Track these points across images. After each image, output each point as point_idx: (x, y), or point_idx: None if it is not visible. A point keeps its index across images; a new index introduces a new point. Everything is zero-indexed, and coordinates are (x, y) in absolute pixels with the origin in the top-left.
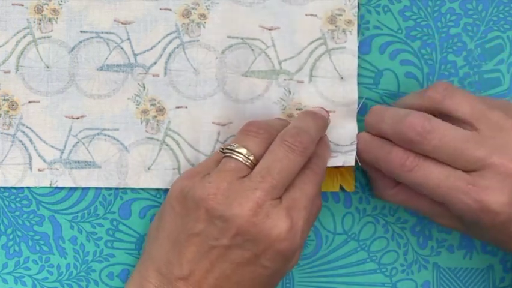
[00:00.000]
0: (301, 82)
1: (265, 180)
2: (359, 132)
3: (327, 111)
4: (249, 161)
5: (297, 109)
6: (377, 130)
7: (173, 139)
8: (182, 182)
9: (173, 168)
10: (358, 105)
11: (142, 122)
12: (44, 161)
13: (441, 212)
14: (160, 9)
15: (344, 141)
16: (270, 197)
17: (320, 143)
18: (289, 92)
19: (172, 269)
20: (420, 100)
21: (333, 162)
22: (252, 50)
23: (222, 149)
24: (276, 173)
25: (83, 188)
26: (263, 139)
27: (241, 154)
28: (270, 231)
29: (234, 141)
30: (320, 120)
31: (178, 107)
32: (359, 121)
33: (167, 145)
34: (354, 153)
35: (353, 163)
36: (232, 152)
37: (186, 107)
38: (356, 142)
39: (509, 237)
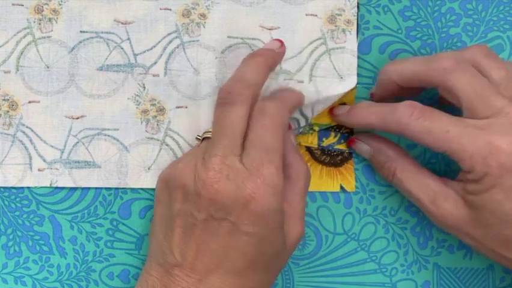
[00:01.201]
0: (301, 82)
1: (214, 145)
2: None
3: (279, 40)
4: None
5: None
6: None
7: (173, 139)
8: (160, 174)
9: None
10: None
11: (142, 122)
12: (44, 161)
13: (445, 193)
14: (160, 9)
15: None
16: (226, 160)
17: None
18: None
19: (166, 258)
20: (463, 55)
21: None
22: (252, 49)
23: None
24: (219, 134)
25: (83, 188)
26: (241, 101)
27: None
28: (235, 194)
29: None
30: (261, 59)
31: (178, 107)
32: None
33: (167, 145)
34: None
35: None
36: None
37: (186, 107)
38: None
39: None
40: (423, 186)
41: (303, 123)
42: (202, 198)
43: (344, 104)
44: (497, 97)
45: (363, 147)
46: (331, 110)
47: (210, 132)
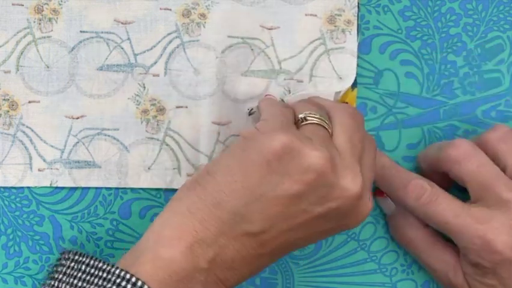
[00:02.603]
0: (301, 82)
1: (354, 153)
2: None
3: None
4: (329, 128)
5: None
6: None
7: (174, 139)
8: (285, 137)
9: (174, 168)
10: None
11: (142, 122)
12: (44, 161)
13: (457, 268)
14: (160, 9)
15: None
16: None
17: None
18: (289, 91)
19: (242, 223)
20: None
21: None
22: (252, 49)
23: (304, 115)
24: (357, 144)
25: (83, 188)
26: (322, 112)
27: (322, 120)
28: (366, 207)
29: (303, 110)
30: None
31: (178, 107)
32: None
33: (167, 145)
34: None
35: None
36: (313, 118)
37: (186, 107)
38: None
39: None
40: (439, 259)
41: None
42: (337, 198)
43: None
44: (505, 188)
45: (389, 204)
46: None
47: (320, 116)
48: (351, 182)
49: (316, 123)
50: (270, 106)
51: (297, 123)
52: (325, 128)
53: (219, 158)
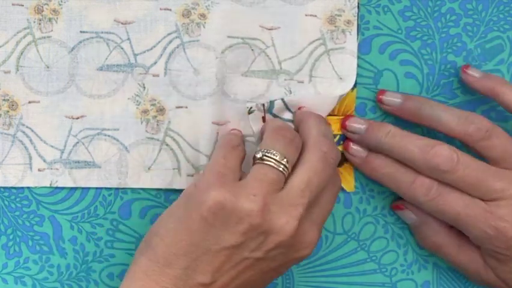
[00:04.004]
0: (302, 82)
1: (304, 195)
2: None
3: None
4: (286, 169)
5: (299, 109)
6: (401, 155)
7: (173, 139)
8: (217, 194)
9: (174, 168)
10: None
11: (142, 122)
12: (44, 161)
13: (485, 267)
14: (160, 9)
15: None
16: (307, 212)
17: None
18: (290, 92)
19: (194, 276)
20: (463, 127)
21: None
22: (252, 50)
23: (260, 152)
24: (315, 187)
25: (83, 188)
26: (297, 147)
27: (279, 162)
28: (305, 245)
29: (265, 145)
30: (326, 124)
31: (178, 107)
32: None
33: (167, 145)
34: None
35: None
36: (270, 159)
37: (186, 107)
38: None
39: None
40: (469, 260)
41: None
42: (272, 241)
43: (346, 101)
44: (494, 180)
45: (410, 215)
46: (343, 123)
47: (272, 155)
48: (286, 224)
49: (270, 166)
50: (215, 153)
51: (254, 160)
52: (279, 170)
53: (165, 217)
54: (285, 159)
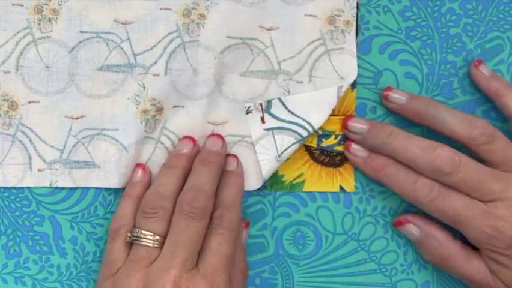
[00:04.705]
0: (301, 82)
1: (175, 255)
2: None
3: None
4: (157, 242)
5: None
6: (403, 156)
7: (169, 138)
8: (101, 285)
9: None
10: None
11: (141, 122)
12: (44, 161)
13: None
14: (160, 9)
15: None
16: (185, 271)
17: (223, 194)
18: (289, 92)
19: None
20: (467, 131)
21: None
22: (251, 50)
23: (129, 237)
24: (184, 245)
25: (83, 188)
26: (161, 216)
27: (148, 239)
28: None
29: (136, 225)
30: (213, 167)
31: (175, 106)
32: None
33: (162, 144)
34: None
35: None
36: (139, 239)
37: (183, 107)
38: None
39: None
40: (477, 269)
41: (311, 130)
42: None
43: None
44: (493, 182)
45: (412, 230)
46: (344, 123)
47: (140, 235)
48: None
49: (137, 244)
50: (107, 247)
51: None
52: (147, 245)
53: None
54: (148, 232)
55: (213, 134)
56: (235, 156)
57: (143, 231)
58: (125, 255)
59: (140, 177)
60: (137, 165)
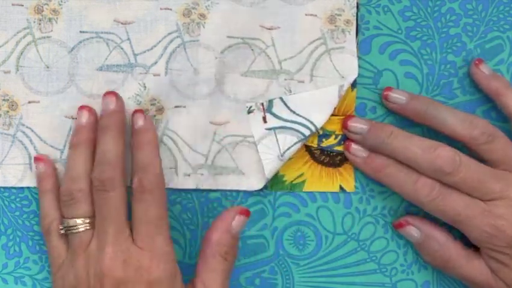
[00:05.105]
0: (302, 82)
1: (105, 231)
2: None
3: (114, 94)
4: (88, 224)
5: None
6: (404, 156)
7: (171, 138)
8: (53, 282)
9: (171, 168)
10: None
11: None
12: None
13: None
14: (161, 9)
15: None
16: (119, 245)
17: (137, 157)
18: (290, 91)
19: None
20: (467, 131)
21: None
22: (252, 49)
23: (61, 229)
24: (109, 219)
25: None
26: (80, 199)
27: (77, 225)
28: (135, 276)
29: (64, 216)
30: (113, 130)
31: (176, 106)
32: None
33: (164, 144)
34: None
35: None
36: (70, 228)
37: (185, 107)
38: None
39: None
40: (478, 270)
41: (313, 129)
42: (108, 282)
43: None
44: (493, 181)
45: (413, 232)
46: (344, 123)
47: (70, 224)
48: (110, 262)
49: (70, 233)
50: (46, 246)
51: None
52: (79, 232)
53: None
54: (75, 220)
55: (105, 93)
56: (140, 111)
57: (70, 220)
58: (65, 247)
59: (44, 169)
60: (36, 158)
